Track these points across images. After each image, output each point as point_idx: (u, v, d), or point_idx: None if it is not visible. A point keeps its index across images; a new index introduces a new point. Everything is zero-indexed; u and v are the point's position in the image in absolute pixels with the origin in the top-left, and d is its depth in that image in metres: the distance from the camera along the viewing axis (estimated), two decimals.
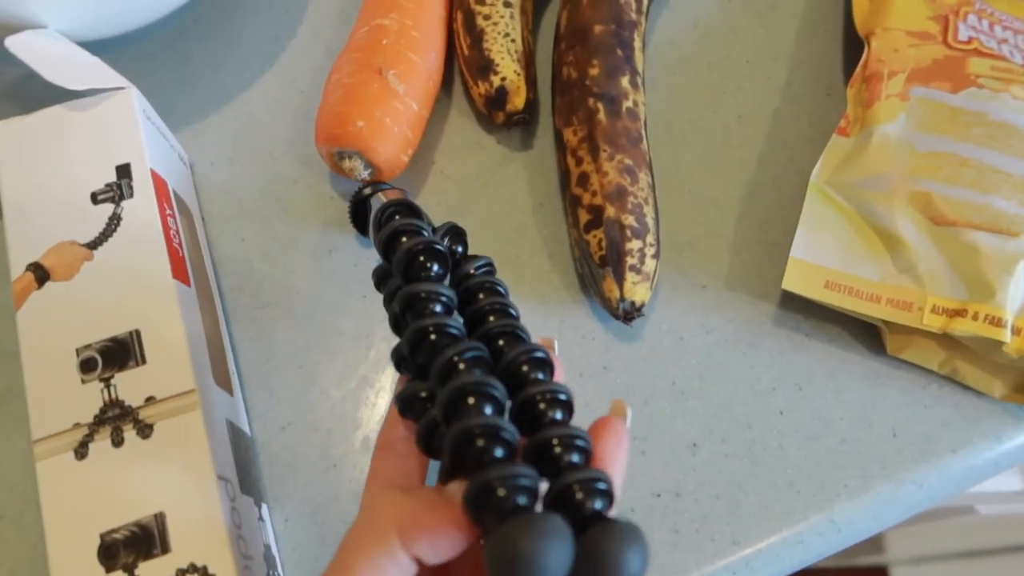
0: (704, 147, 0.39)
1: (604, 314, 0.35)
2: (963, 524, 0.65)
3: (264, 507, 0.31)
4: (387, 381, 0.34)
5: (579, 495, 0.19)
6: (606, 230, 0.33)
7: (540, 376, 0.23)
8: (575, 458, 0.21)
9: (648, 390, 0.34)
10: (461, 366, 0.22)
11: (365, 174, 0.35)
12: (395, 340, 0.34)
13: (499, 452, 0.20)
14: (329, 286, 0.36)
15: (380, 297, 0.33)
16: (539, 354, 0.23)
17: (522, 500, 0.19)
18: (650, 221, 0.34)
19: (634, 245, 0.33)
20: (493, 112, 0.38)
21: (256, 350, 0.35)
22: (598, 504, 0.19)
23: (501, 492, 0.19)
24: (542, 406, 0.22)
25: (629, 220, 0.33)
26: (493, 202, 0.38)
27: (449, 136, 0.39)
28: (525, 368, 0.23)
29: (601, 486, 0.20)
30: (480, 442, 0.20)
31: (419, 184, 0.38)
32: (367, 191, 0.31)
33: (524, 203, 0.38)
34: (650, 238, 0.34)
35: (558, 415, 0.22)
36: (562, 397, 0.22)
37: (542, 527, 0.18)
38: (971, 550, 0.75)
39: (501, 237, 0.37)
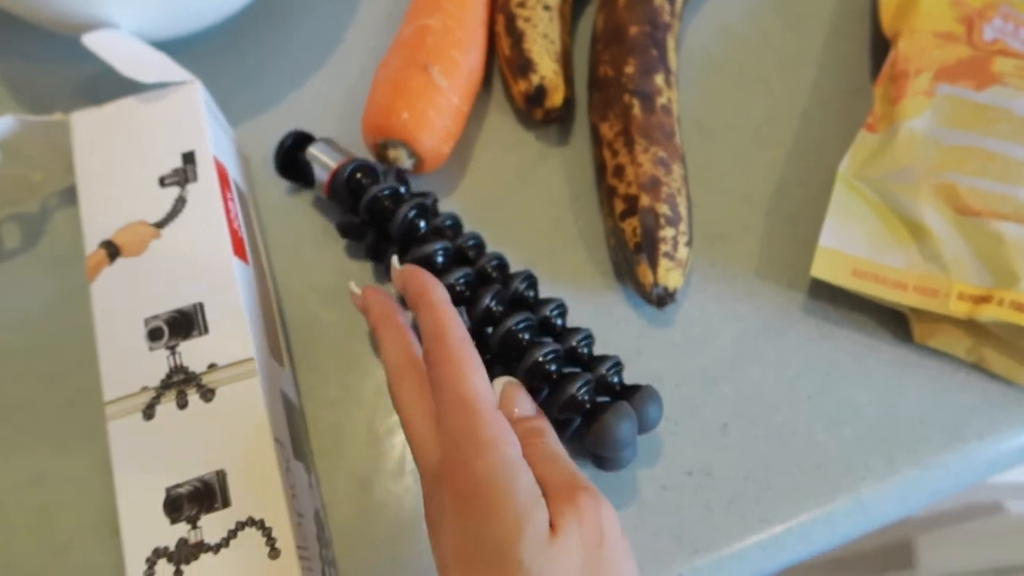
0: (735, 146, 0.40)
1: (638, 300, 0.37)
2: (997, 530, 0.65)
3: (313, 476, 0.33)
4: None
5: (612, 379, 0.32)
6: (641, 218, 0.35)
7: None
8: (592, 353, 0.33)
9: (680, 374, 0.35)
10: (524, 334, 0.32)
11: (409, 163, 0.37)
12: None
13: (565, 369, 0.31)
14: (376, 269, 0.38)
15: None
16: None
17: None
18: (683, 210, 0.35)
19: (667, 232, 0.35)
20: (532, 109, 0.39)
21: (305, 329, 0.37)
22: (616, 379, 0.32)
23: (585, 396, 0.31)
24: (559, 321, 0.34)
25: (663, 209, 0.35)
26: (531, 195, 0.39)
27: (488, 133, 0.41)
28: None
29: (618, 368, 0.32)
30: (552, 366, 0.31)
31: (459, 177, 0.40)
32: (288, 141, 0.38)
33: (561, 196, 0.39)
34: (683, 226, 0.35)
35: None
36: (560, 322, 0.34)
37: (625, 411, 0.30)
38: (1007, 566, 0.75)
39: (539, 229, 0.39)
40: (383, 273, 0.38)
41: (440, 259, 0.33)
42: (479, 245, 0.35)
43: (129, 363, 0.30)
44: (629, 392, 0.31)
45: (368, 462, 0.34)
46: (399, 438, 0.34)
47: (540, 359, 0.31)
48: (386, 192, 0.34)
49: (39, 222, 0.39)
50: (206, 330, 0.30)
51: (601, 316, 0.37)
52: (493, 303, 0.32)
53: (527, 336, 0.31)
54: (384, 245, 0.35)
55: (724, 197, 0.39)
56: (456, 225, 0.36)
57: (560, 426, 0.32)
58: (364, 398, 0.35)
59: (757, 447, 0.34)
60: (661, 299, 0.35)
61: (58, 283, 0.38)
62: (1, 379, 0.36)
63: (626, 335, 0.36)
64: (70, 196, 0.40)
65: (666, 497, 0.33)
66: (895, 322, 0.36)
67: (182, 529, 0.27)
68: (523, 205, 0.39)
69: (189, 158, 0.33)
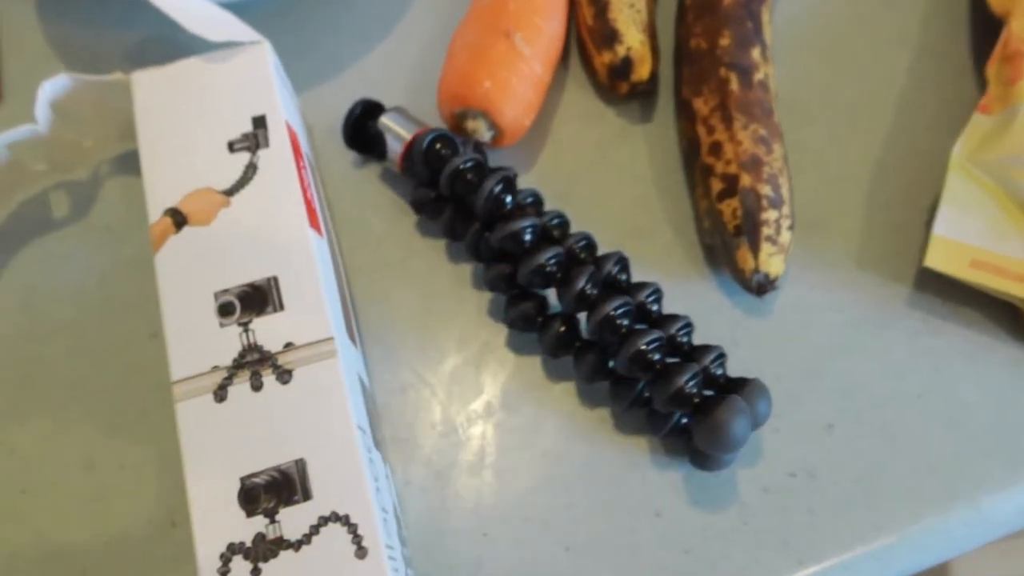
0: (830, 126, 0.38)
1: (731, 287, 0.34)
2: None
3: (387, 467, 0.31)
4: (509, 347, 0.33)
5: (716, 371, 0.29)
6: (741, 199, 0.32)
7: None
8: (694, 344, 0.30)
9: (779, 366, 0.33)
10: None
11: (488, 136, 0.35)
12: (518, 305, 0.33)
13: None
14: (450, 248, 0.35)
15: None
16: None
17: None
18: (785, 192, 0.33)
19: (770, 215, 0.32)
20: (616, 83, 0.37)
21: (375, 309, 0.34)
22: (720, 371, 0.30)
23: (693, 389, 0.28)
24: (655, 307, 0.31)
25: (765, 190, 0.32)
26: (612, 174, 0.37)
27: (566, 107, 0.39)
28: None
29: (722, 359, 0.30)
30: (656, 355, 0.29)
31: (536, 153, 0.37)
32: (357, 110, 0.35)
33: (645, 175, 0.37)
34: (785, 209, 0.33)
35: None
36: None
37: (739, 407, 0.27)
38: None
39: (621, 209, 0.36)
40: (458, 252, 0.35)
41: (528, 237, 0.31)
42: (564, 224, 0.33)
43: (198, 340, 0.27)
44: (736, 386, 0.29)
45: (444, 453, 0.32)
46: (478, 428, 0.32)
47: (643, 347, 0.28)
48: (469, 164, 0.32)
49: (89, 190, 0.37)
50: (281, 306, 0.28)
51: (692, 304, 0.34)
52: (588, 286, 0.30)
53: (626, 322, 0.29)
54: (463, 222, 0.33)
55: (819, 180, 0.36)
56: (537, 202, 0.33)
57: (658, 419, 0.30)
58: (439, 384, 0.33)
59: (864, 448, 0.31)
60: (761, 287, 0.32)
61: (111, 255, 0.35)
62: (50, 356, 0.34)
63: (720, 324, 0.34)
64: (122, 164, 0.38)
65: (768, 500, 0.31)
66: (1009, 318, 0.33)
67: (259, 523, 0.25)
68: (604, 184, 0.37)
69: (260, 123, 0.31)
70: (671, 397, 0.28)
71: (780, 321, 0.34)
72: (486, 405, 0.32)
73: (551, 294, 0.34)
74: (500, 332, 0.34)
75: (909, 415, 0.32)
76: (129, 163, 0.38)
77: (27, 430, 0.32)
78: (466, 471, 0.31)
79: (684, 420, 0.30)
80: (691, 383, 0.28)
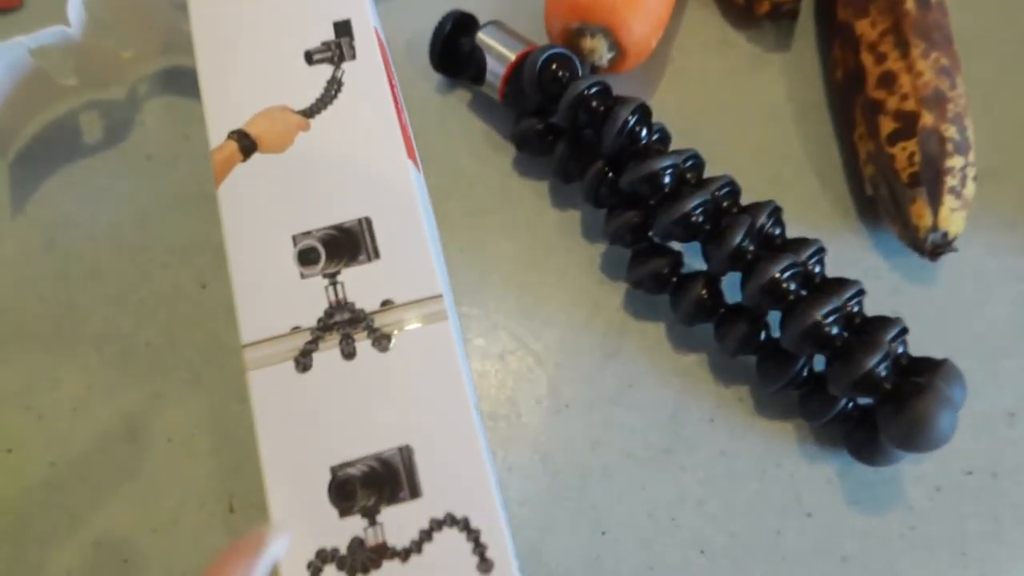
0: (1001, 62, 0.32)
1: (889, 247, 0.29)
2: None
3: (489, 452, 0.26)
4: (627, 310, 0.28)
5: (898, 350, 0.24)
6: (921, 142, 0.27)
7: None
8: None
9: (949, 344, 0.28)
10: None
11: (607, 58, 0.29)
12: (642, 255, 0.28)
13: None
14: (556, 191, 0.30)
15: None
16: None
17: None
18: (971, 136, 0.27)
19: (955, 162, 0.26)
20: (755, 1, 0.31)
21: (467, 263, 0.29)
22: (901, 350, 0.24)
23: (882, 373, 0.23)
24: (817, 269, 0.25)
25: (950, 131, 0.27)
26: (745, 109, 0.31)
27: (688, 31, 0.33)
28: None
29: (903, 335, 0.24)
30: (834, 329, 0.23)
31: (654, 82, 0.32)
32: (447, 25, 0.29)
33: (783, 112, 0.31)
34: (972, 156, 0.27)
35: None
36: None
37: (946, 398, 0.22)
38: None
39: (757, 151, 0.30)
40: (565, 196, 0.30)
41: (667, 180, 0.25)
42: (699, 166, 0.27)
43: (274, 294, 0.22)
44: (922, 368, 0.23)
45: (552, 434, 0.27)
46: (590, 405, 0.27)
47: (820, 319, 0.23)
48: (595, 90, 0.26)
49: (127, 112, 0.31)
50: (376, 254, 0.22)
51: (841, 265, 0.29)
52: (746, 242, 0.24)
53: (793, 287, 0.24)
54: (579, 160, 0.28)
55: (992, 124, 0.31)
56: (664, 140, 0.28)
57: (818, 403, 0.25)
58: (545, 351, 0.28)
59: None
60: (937, 248, 0.27)
61: (153, 189, 0.30)
62: (83, 306, 0.28)
63: (877, 290, 0.28)
64: (165, 82, 0.32)
65: (941, 502, 0.26)
66: None
67: (356, 525, 0.20)
68: (736, 120, 0.31)
69: (343, 29, 0.25)
70: (857, 382, 0.22)
71: (949, 289, 0.28)
72: (600, 378, 0.27)
73: (686, 250, 0.28)
74: (616, 292, 0.28)
75: None
76: (174, 81, 0.32)
77: (58, 393, 0.27)
78: (579, 456, 0.26)
79: (851, 405, 0.25)
80: (881, 367, 0.22)
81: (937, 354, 0.27)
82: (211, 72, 0.25)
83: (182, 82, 0.32)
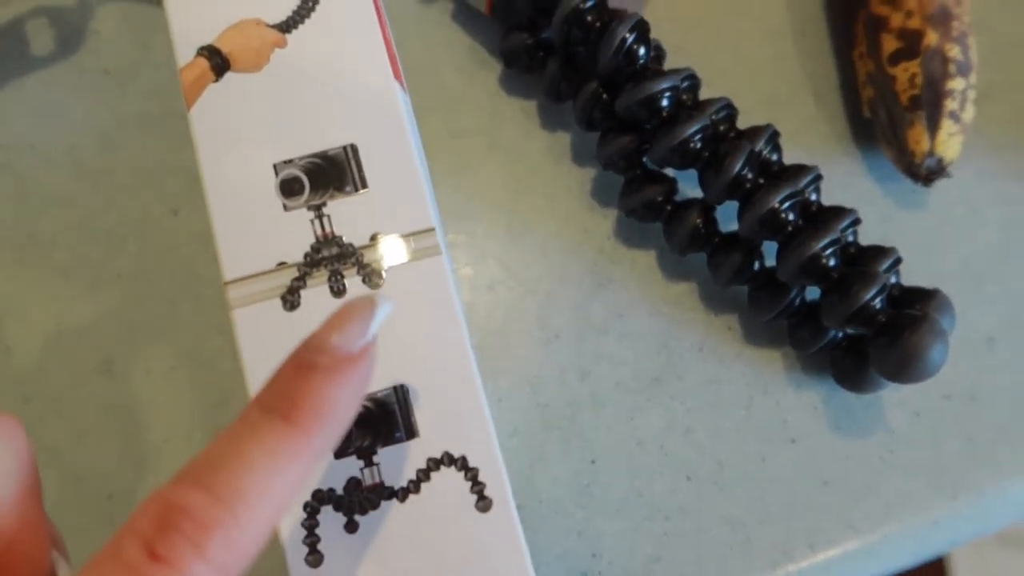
0: None
1: (882, 172, 0.28)
2: None
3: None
4: (618, 238, 0.28)
5: (890, 280, 0.23)
6: (924, 62, 0.26)
7: None
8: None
9: (936, 269, 0.28)
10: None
11: None
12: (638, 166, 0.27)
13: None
14: (545, 111, 0.28)
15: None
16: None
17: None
18: (973, 56, 0.26)
19: (957, 84, 0.26)
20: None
21: (454, 187, 0.28)
22: (894, 279, 0.24)
23: (878, 306, 0.23)
24: (813, 197, 0.25)
25: (954, 51, 0.26)
26: (741, 25, 0.30)
27: None
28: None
29: (897, 265, 0.24)
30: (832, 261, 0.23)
31: None
32: None
33: (781, 28, 0.30)
34: (973, 78, 0.26)
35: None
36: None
37: (939, 331, 0.22)
38: None
39: (753, 69, 0.29)
40: (555, 117, 0.28)
41: (666, 103, 0.24)
42: (694, 86, 0.26)
43: (257, 228, 0.21)
44: (914, 298, 0.23)
45: (543, 364, 0.26)
46: (580, 335, 0.27)
47: (818, 251, 0.22)
48: (590, 3, 0.24)
49: (78, 19, 0.29)
50: (363, 184, 0.21)
51: (833, 189, 0.28)
52: (745, 170, 0.23)
53: (791, 217, 0.23)
54: (571, 79, 0.26)
55: (987, 42, 0.30)
56: (660, 58, 0.27)
57: (807, 332, 0.25)
58: (534, 280, 0.27)
59: None
60: (931, 173, 0.26)
61: (112, 108, 0.28)
62: (46, 234, 0.27)
63: (867, 216, 0.28)
64: None
65: (920, 426, 0.26)
66: None
67: (352, 466, 0.20)
68: (730, 36, 0.30)
69: None
70: (853, 315, 0.22)
71: (939, 215, 0.28)
72: (590, 307, 0.27)
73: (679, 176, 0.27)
74: (607, 218, 0.28)
75: None
76: None
77: (26, 325, 0.26)
78: (569, 386, 0.26)
79: (839, 335, 0.25)
80: (877, 299, 0.22)
81: (924, 280, 0.27)
82: None
83: None
